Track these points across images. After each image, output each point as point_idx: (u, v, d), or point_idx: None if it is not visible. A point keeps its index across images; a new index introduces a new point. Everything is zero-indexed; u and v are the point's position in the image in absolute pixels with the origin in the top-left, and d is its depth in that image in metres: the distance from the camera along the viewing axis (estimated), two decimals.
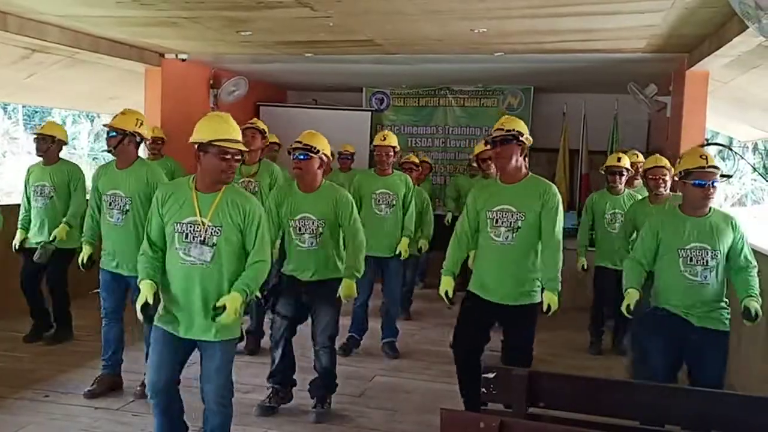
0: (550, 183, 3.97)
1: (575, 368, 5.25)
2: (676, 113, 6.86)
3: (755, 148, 20.84)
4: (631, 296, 3.74)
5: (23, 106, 21.41)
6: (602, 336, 6.01)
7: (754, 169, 18.79)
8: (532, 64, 7.43)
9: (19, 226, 5.63)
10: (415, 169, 7.12)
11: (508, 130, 3.86)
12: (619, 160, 5.80)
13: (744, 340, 4.74)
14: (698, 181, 3.64)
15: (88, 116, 23.49)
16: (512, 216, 3.84)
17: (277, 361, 4.34)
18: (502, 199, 3.87)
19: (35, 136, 5.64)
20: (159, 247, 3.33)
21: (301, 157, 4.17)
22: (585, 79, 8.22)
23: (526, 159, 4.00)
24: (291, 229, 4.21)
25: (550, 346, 6.01)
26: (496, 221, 3.86)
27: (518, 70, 7.91)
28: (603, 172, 5.96)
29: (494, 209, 3.87)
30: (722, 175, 3.69)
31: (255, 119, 5.70)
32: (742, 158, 9.07)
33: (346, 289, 4.16)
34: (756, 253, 4.61)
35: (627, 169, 5.77)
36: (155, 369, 3.32)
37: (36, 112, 22.03)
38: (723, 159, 18.96)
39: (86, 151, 23.94)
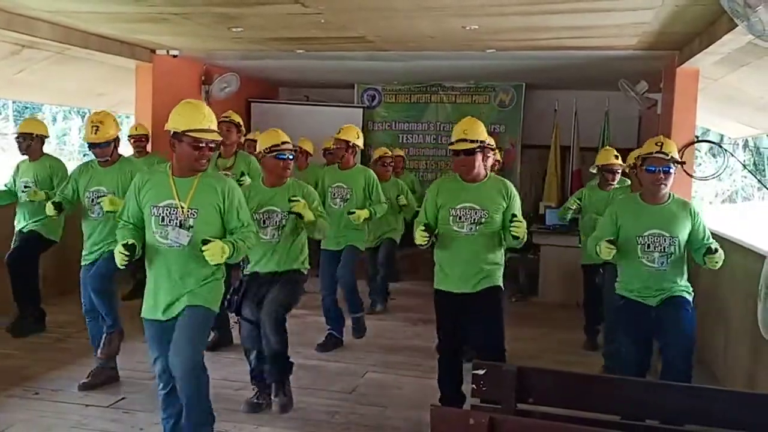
0: (506, 180, 4.12)
1: (565, 364, 5.26)
2: (666, 110, 6.88)
3: (745, 145, 20.95)
4: (601, 242, 3.75)
5: (13, 102, 21.31)
6: (598, 333, 6.02)
7: (744, 167, 18.89)
8: (523, 61, 7.44)
9: None
10: (389, 164, 7.14)
11: (472, 141, 3.92)
12: (616, 157, 5.79)
13: (732, 341, 4.78)
14: (649, 167, 3.73)
15: (78, 112, 23.40)
16: (476, 213, 3.95)
17: (254, 364, 4.35)
18: (466, 197, 3.98)
19: (15, 135, 5.64)
20: (134, 223, 3.36)
21: (291, 157, 4.27)
22: (576, 76, 8.23)
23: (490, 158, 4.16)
24: (255, 222, 4.21)
25: (540, 342, 6.04)
26: (460, 218, 3.97)
27: (510, 66, 7.92)
28: (595, 171, 5.96)
29: (457, 207, 3.98)
30: (676, 162, 3.74)
31: (230, 112, 5.63)
32: (732, 155, 9.12)
33: (305, 205, 4.12)
34: (745, 249, 4.67)
35: (621, 166, 5.77)
36: (158, 352, 3.37)
37: (26, 108, 21.92)
38: (714, 156, 19.05)
39: (77, 147, 23.85)
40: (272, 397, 4.29)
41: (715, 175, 9.59)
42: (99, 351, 4.57)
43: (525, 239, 3.93)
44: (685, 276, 3.83)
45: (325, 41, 6.58)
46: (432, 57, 7.30)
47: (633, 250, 3.77)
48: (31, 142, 5.57)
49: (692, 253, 3.82)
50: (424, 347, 5.67)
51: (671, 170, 3.72)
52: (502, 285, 4.07)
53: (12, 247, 5.65)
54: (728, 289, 4.88)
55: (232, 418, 4.11)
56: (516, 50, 6.86)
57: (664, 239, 3.73)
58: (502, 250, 4.11)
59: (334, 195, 5.65)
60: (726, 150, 8.44)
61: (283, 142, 4.24)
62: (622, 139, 8.44)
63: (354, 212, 5.43)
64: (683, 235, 3.75)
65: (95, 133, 4.35)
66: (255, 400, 4.33)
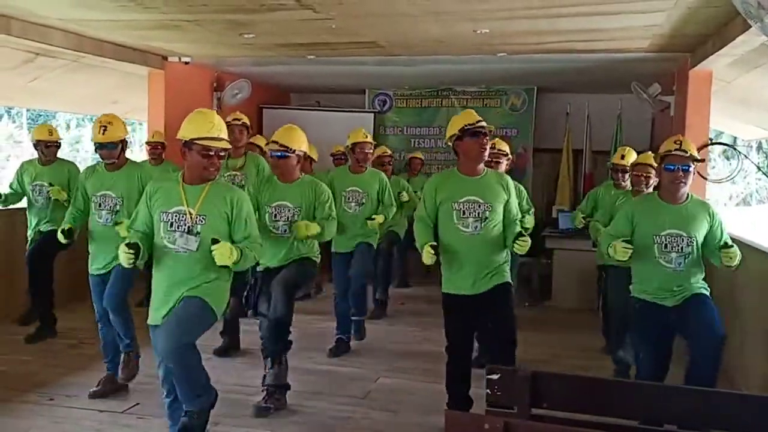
0: (504, 174, 4.16)
1: (580, 369, 5.23)
2: (679, 113, 6.85)
3: (759, 147, 20.79)
4: (616, 243, 3.72)
5: (27, 110, 21.48)
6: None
7: (759, 169, 18.72)
8: (535, 65, 7.43)
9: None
10: (388, 163, 7.24)
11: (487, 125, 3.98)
12: (622, 157, 5.76)
13: (748, 344, 4.73)
14: (667, 165, 3.69)
15: (91, 120, 23.56)
16: (479, 207, 3.90)
17: (269, 363, 4.35)
18: (469, 190, 3.93)
19: (47, 144, 5.67)
20: (143, 231, 3.39)
21: (278, 155, 4.29)
22: (588, 79, 8.21)
23: None
24: (267, 215, 4.28)
25: (554, 347, 6.00)
26: (464, 212, 3.91)
27: (521, 70, 7.91)
28: (609, 169, 5.96)
29: (461, 201, 3.91)
30: (695, 160, 3.69)
31: (238, 113, 5.61)
32: (746, 158, 9.06)
33: (306, 225, 4.16)
34: (760, 252, 4.63)
35: (625, 165, 5.73)
36: (162, 363, 3.36)
37: (40, 115, 22.08)
38: (727, 158, 18.91)
39: (90, 154, 24.00)
40: (267, 369, 4.30)
41: (729, 178, 9.51)
42: (119, 372, 4.55)
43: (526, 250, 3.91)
44: (702, 276, 3.78)
45: (335, 47, 6.60)
46: (443, 61, 7.31)
47: (649, 250, 3.73)
48: (57, 149, 5.74)
49: (707, 255, 3.77)
50: (436, 352, 5.62)
51: (690, 168, 3.68)
52: (510, 280, 4.02)
53: (31, 246, 5.70)
54: (743, 291, 4.84)
55: (244, 422, 4.11)
56: (527, 54, 6.86)
57: (682, 239, 3.69)
58: (507, 249, 4.03)
59: (348, 199, 5.63)
60: (740, 152, 8.37)
61: (272, 141, 4.33)
62: (635, 142, 8.35)
63: (374, 218, 5.54)
64: (701, 236, 3.71)
65: (103, 134, 4.31)
66: (264, 404, 4.32)
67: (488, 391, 2.59)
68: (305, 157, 6.84)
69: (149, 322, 3.41)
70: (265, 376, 4.39)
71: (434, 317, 6.89)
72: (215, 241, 3.21)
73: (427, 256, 3.87)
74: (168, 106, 7.65)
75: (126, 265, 3.30)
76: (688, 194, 3.77)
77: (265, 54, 7.19)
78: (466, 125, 3.91)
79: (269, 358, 4.33)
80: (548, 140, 9.31)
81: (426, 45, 6.49)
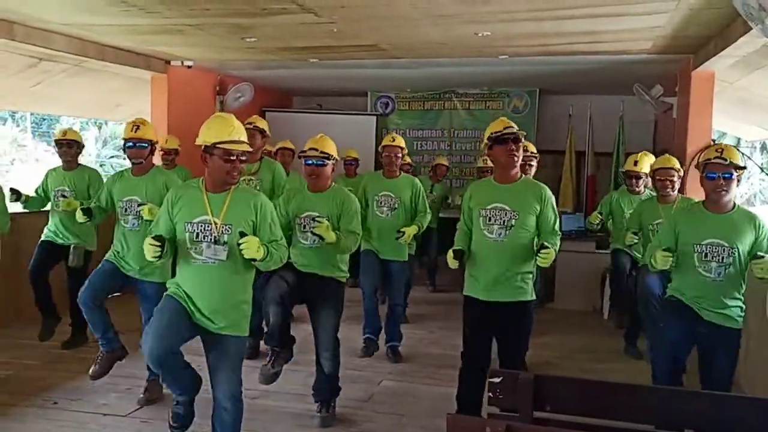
0: (542, 184, 4.01)
1: (582, 372, 5.23)
2: (682, 114, 6.85)
3: (763, 148, 20.76)
4: (656, 251, 3.72)
5: (31, 114, 21.56)
6: (624, 313, 5.97)
7: (762, 170, 18.70)
8: (537, 67, 7.44)
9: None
10: (407, 172, 7.18)
11: (517, 131, 3.90)
12: (635, 164, 5.75)
13: (753, 344, 4.71)
14: (709, 174, 3.62)
15: (95, 123, 23.62)
16: (506, 214, 3.85)
17: (272, 319, 4.17)
18: (497, 197, 3.89)
19: (61, 142, 5.62)
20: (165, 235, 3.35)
21: (318, 163, 4.23)
22: (591, 81, 8.21)
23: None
24: (296, 226, 4.24)
25: (557, 349, 6.00)
26: (490, 219, 3.88)
27: (523, 72, 7.91)
28: (623, 174, 6.02)
29: (488, 207, 3.89)
30: (737, 168, 3.60)
31: (255, 117, 5.59)
32: (749, 159, 9.06)
33: (327, 227, 4.05)
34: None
35: (645, 173, 5.72)
36: (157, 336, 3.22)
37: (44, 119, 22.16)
38: None
39: (93, 157, 24.06)
40: (316, 411, 4.31)
41: None
42: (142, 394, 4.53)
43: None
44: (741, 291, 3.69)
45: (337, 50, 6.61)
46: (445, 64, 7.31)
47: (690, 258, 3.67)
48: (79, 151, 5.70)
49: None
50: (440, 355, 5.65)
51: (732, 176, 3.58)
52: (530, 298, 3.96)
53: (79, 266, 5.55)
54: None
55: (248, 426, 4.10)
56: (529, 56, 6.86)
57: (723, 249, 3.60)
58: (534, 260, 3.90)
59: (380, 203, 5.58)
60: (743, 153, 8.37)
61: (310, 148, 4.26)
62: (637, 143, 8.39)
63: (403, 232, 5.38)
64: (743, 247, 3.61)
65: (136, 131, 4.38)
66: (271, 369, 4.21)
67: (490, 394, 2.59)
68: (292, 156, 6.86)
69: (175, 296, 3.30)
70: (268, 334, 4.24)
71: (438, 320, 6.93)
72: (243, 234, 3.18)
73: (451, 261, 3.89)
74: (171, 109, 7.67)
75: (151, 258, 3.26)
76: (734, 204, 3.69)
77: (267, 57, 7.20)
78: (492, 133, 3.89)
79: (320, 404, 4.34)
80: (550, 142, 9.30)
81: (428, 48, 6.49)
